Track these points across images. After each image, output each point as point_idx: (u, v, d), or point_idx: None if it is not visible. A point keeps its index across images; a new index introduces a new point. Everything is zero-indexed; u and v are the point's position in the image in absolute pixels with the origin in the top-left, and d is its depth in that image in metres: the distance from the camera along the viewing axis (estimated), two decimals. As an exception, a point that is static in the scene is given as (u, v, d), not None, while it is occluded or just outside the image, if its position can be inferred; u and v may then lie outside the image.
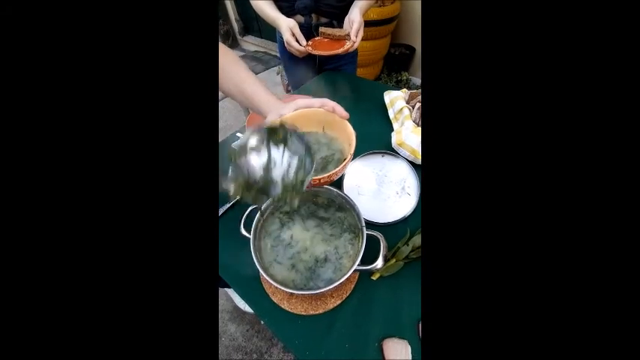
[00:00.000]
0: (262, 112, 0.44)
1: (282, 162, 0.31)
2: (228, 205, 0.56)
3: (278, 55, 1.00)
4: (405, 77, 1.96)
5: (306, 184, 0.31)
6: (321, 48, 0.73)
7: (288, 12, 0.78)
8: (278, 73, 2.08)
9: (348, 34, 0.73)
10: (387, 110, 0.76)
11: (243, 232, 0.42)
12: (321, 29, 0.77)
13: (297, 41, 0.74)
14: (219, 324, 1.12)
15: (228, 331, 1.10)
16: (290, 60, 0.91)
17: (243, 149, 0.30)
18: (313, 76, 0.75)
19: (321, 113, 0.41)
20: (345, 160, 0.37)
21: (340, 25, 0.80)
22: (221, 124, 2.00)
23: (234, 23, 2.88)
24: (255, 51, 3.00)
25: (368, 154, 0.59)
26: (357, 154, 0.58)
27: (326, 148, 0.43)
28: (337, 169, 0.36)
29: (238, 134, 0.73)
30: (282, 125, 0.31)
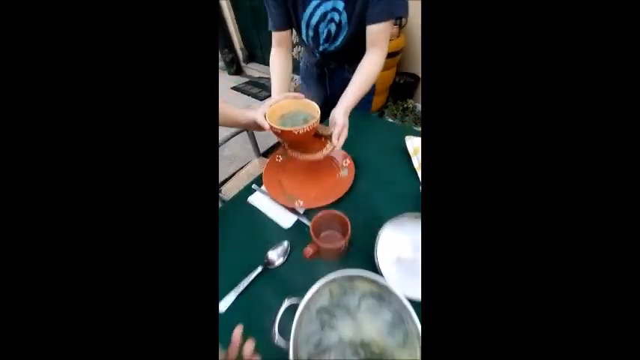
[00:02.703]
0: (251, 117, 0.59)
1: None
2: (255, 274, 0.51)
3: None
4: (410, 105, 1.97)
5: None
6: (298, 146, 0.64)
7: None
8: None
9: (331, 134, 0.63)
10: (409, 157, 0.72)
11: (277, 337, 0.36)
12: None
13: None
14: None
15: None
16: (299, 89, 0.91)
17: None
18: (322, 106, 0.68)
19: (293, 102, 0.63)
20: (316, 117, 0.58)
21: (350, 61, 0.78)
22: (226, 152, 1.98)
23: (239, 51, 2.94)
24: (259, 77, 3.05)
25: (400, 216, 0.54)
26: (387, 217, 0.53)
27: (305, 115, 0.62)
28: (314, 120, 0.56)
29: (254, 186, 0.69)
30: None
